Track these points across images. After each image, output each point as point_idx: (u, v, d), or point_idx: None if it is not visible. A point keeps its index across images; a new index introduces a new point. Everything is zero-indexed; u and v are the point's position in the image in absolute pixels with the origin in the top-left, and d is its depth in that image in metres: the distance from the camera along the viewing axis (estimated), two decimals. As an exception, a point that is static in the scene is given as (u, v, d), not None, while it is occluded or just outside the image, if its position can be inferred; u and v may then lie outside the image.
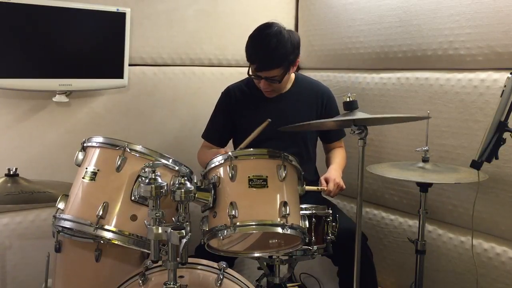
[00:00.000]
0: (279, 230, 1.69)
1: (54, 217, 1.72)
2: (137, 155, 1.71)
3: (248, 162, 1.78)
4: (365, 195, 2.20)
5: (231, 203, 1.69)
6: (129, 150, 1.70)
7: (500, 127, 1.79)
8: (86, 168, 1.73)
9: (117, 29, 2.42)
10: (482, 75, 2.21)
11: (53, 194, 1.90)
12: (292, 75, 2.44)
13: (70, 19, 2.31)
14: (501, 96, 1.78)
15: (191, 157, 2.38)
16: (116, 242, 1.66)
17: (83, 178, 1.72)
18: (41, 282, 1.93)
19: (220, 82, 2.71)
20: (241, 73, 2.34)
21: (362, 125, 1.78)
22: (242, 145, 2.12)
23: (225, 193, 1.73)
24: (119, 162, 1.68)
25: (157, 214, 1.50)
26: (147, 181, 1.51)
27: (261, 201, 1.73)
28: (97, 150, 1.75)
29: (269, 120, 2.13)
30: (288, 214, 1.70)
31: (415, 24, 2.44)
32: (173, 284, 1.53)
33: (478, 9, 2.18)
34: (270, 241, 1.97)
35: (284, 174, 1.75)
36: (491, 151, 1.80)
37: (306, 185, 1.88)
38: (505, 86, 1.77)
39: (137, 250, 1.72)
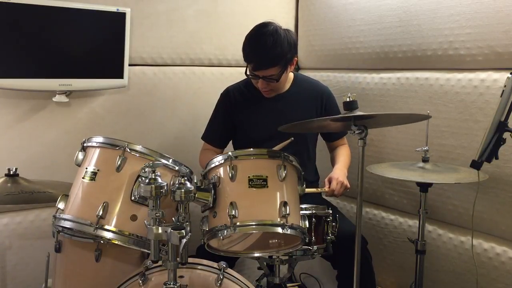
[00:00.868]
0: (279, 230, 1.69)
1: (54, 217, 1.72)
2: (137, 155, 1.71)
3: (248, 162, 1.78)
4: (365, 195, 2.19)
5: (231, 203, 1.69)
6: (129, 150, 1.70)
7: (500, 127, 1.79)
8: (86, 168, 1.73)
9: (117, 29, 2.42)
10: (482, 75, 2.21)
11: (53, 194, 1.90)
12: (291, 75, 2.44)
13: (70, 19, 2.30)
14: (501, 96, 1.77)
15: (191, 157, 2.38)
16: (116, 242, 1.66)
17: (83, 178, 1.72)
18: (41, 282, 1.93)
19: (220, 82, 2.71)
20: (241, 73, 2.34)
21: (362, 125, 1.78)
22: None
23: (225, 193, 1.73)
24: (119, 162, 1.68)
25: (157, 214, 1.50)
26: (147, 181, 1.51)
27: (261, 201, 1.73)
28: (97, 150, 1.75)
29: (292, 138, 2.11)
30: (288, 214, 1.70)
31: (415, 24, 2.43)
32: (173, 284, 1.53)
33: (478, 9, 2.18)
34: (270, 241, 1.97)
35: (284, 174, 1.75)
36: (491, 151, 1.79)
37: (306, 186, 1.88)
38: (505, 86, 1.77)
39: (137, 250, 1.72)
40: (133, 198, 1.68)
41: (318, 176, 2.55)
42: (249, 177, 1.73)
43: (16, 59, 2.24)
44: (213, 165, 1.80)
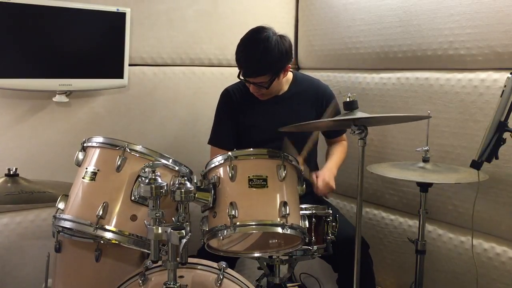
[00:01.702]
0: (279, 230, 1.70)
1: (54, 217, 1.72)
2: (137, 155, 1.71)
3: (248, 162, 1.78)
4: (365, 195, 2.19)
5: (231, 203, 1.69)
6: (129, 150, 1.70)
7: (500, 127, 1.79)
8: (86, 168, 1.73)
9: (117, 29, 2.42)
10: (482, 75, 2.21)
11: (53, 194, 1.89)
12: (290, 75, 2.42)
13: (70, 19, 2.30)
14: (501, 96, 1.78)
15: (191, 157, 2.38)
16: (116, 242, 1.66)
17: (83, 178, 1.72)
18: (41, 282, 1.93)
19: (220, 82, 2.71)
20: (241, 73, 2.34)
21: (362, 125, 1.78)
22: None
23: (225, 193, 1.73)
24: (119, 162, 1.68)
25: (157, 214, 1.50)
26: (147, 181, 1.51)
27: (261, 201, 1.73)
28: (97, 150, 1.76)
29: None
30: (288, 214, 1.70)
31: (415, 24, 2.43)
32: (173, 284, 1.53)
33: (478, 9, 2.18)
34: (270, 241, 1.97)
35: (284, 174, 1.75)
36: (491, 151, 1.80)
37: (305, 186, 1.88)
38: (505, 86, 1.77)
39: (137, 250, 1.72)
40: (133, 198, 1.68)
41: (319, 176, 2.55)
42: (249, 177, 1.73)
43: (16, 59, 2.24)
44: (213, 165, 1.80)
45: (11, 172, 2.00)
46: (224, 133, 2.42)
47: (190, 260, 1.65)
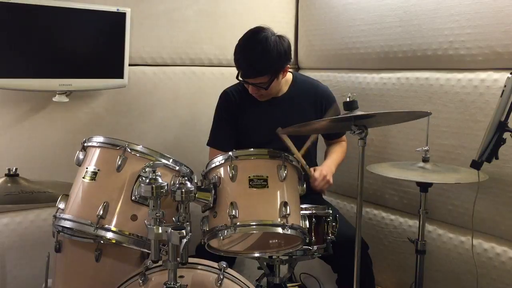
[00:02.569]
0: (280, 230, 1.70)
1: (55, 217, 1.72)
2: (138, 155, 1.71)
3: (248, 162, 1.78)
4: (365, 195, 2.19)
5: (231, 203, 1.69)
6: (129, 150, 1.70)
7: (500, 127, 1.79)
8: (87, 168, 1.73)
9: (117, 29, 2.42)
10: (482, 75, 2.21)
11: (53, 194, 1.89)
12: (290, 76, 2.42)
13: (70, 19, 2.30)
14: (501, 96, 1.78)
15: (191, 157, 2.38)
16: (117, 242, 1.66)
17: (83, 178, 1.72)
18: (41, 282, 1.93)
19: (220, 82, 2.71)
20: (241, 74, 2.33)
21: (362, 125, 1.78)
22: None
23: (226, 193, 1.73)
24: (119, 162, 1.68)
25: (157, 214, 1.50)
26: (147, 181, 1.51)
27: (262, 201, 1.73)
28: (98, 150, 1.75)
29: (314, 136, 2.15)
30: (289, 214, 1.70)
31: (415, 24, 2.44)
32: (173, 284, 1.53)
33: (478, 9, 2.19)
34: (270, 241, 1.97)
35: (284, 174, 1.75)
36: (491, 151, 1.80)
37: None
38: (505, 86, 1.77)
39: (137, 250, 1.73)
40: (133, 198, 1.68)
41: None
42: (249, 177, 1.73)
43: (16, 59, 2.24)
44: (213, 165, 1.80)
45: (11, 172, 1.99)
46: (223, 135, 2.41)
47: (190, 260, 1.65)
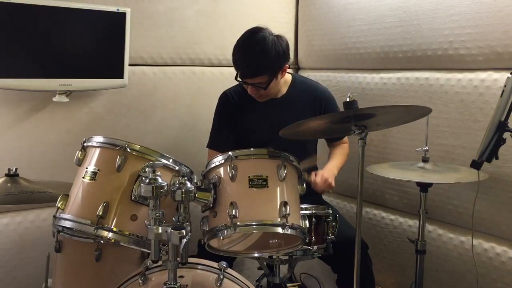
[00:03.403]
0: (279, 230, 1.69)
1: (54, 217, 1.72)
2: (138, 155, 1.71)
3: (248, 162, 1.78)
4: (365, 195, 2.19)
5: (231, 203, 1.69)
6: (129, 150, 1.70)
7: (500, 127, 1.79)
8: (86, 168, 1.72)
9: (117, 29, 2.42)
10: (482, 75, 2.21)
11: (53, 194, 1.89)
12: (289, 77, 2.42)
13: (70, 19, 2.30)
14: (501, 96, 1.78)
15: (191, 157, 2.38)
16: (116, 242, 1.66)
17: (83, 178, 1.72)
18: (41, 282, 1.93)
19: (220, 82, 2.71)
20: (241, 74, 2.33)
21: (362, 125, 1.78)
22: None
23: (226, 193, 1.73)
24: (119, 162, 1.68)
25: (157, 214, 1.50)
26: (147, 181, 1.51)
27: (261, 201, 1.73)
28: (97, 150, 1.75)
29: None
30: (288, 214, 1.70)
31: (415, 24, 2.44)
32: (173, 284, 1.53)
33: (478, 9, 2.19)
34: (270, 241, 1.97)
35: (284, 174, 1.75)
36: (491, 151, 1.80)
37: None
38: (505, 86, 1.77)
39: (137, 250, 1.73)
40: (133, 198, 1.67)
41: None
42: (249, 177, 1.73)
43: (16, 59, 2.24)
44: (213, 165, 1.80)
45: (11, 172, 1.99)
46: (223, 137, 2.41)
47: (190, 260, 1.65)
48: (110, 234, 1.64)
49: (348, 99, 1.86)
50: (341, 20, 2.83)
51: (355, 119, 1.79)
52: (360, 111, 1.79)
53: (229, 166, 1.74)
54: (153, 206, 1.51)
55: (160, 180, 1.52)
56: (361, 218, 1.81)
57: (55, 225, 1.72)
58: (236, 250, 1.94)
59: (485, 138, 1.80)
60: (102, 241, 1.73)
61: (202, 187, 1.76)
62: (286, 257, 2.00)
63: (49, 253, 1.88)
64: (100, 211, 1.63)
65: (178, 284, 1.53)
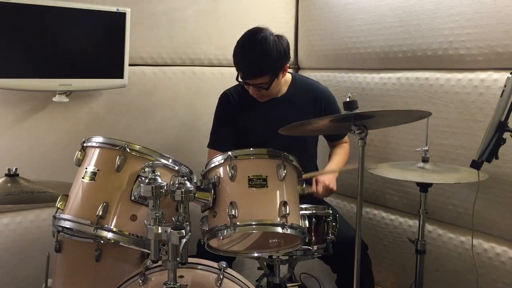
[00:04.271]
0: (279, 229, 1.69)
1: (54, 217, 1.72)
2: (137, 155, 1.71)
3: (248, 162, 1.78)
4: (365, 195, 2.19)
5: (231, 203, 1.69)
6: (129, 150, 1.70)
7: (500, 127, 1.79)
8: (86, 168, 1.72)
9: (117, 29, 2.42)
10: (482, 75, 2.21)
11: (53, 194, 1.89)
12: (289, 76, 2.41)
13: (70, 19, 2.30)
14: (501, 96, 1.77)
15: (191, 157, 2.38)
16: (116, 242, 1.66)
17: (83, 178, 1.72)
18: (41, 282, 1.93)
19: (220, 82, 2.71)
20: (241, 74, 2.33)
21: (362, 125, 1.78)
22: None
23: (225, 193, 1.73)
24: (118, 162, 1.68)
25: (157, 214, 1.50)
26: (147, 181, 1.51)
27: (261, 201, 1.73)
28: (97, 150, 1.75)
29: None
30: (288, 214, 1.70)
31: (415, 24, 2.44)
32: (173, 284, 1.53)
33: (478, 9, 2.19)
34: (270, 241, 1.97)
35: (284, 174, 1.75)
36: (491, 151, 1.80)
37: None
38: (505, 86, 1.77)
39: (137, 250, 1.72)
40: (133, 198, 1.68)
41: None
42: (249, 177, 1.73)
43: (16, 59, 2.24)
44: (212, 165, 1.80)
45: (11, 172, 2.00)
46: (223, 137, 2.40)
47: (190, 260, 1.65)
48: (109, 234, 1.64)
49: (348, 99, 1.86)
50: (341, 20, 2.83)
51: (355, 119, 1.79)
52: (360, 114, 1.79)
53: (229, 166, 1.74)
54: (153, 206, 1.51)
55: (159, 180, 1.52)
56: (361, 218, 1.81)
57: (55, 225, 1.72)
58: (235, 250, 1.94)
59: (485, 138, 1.80)
60: (102, 241, 1.73)
61: (202, 187, 1.76)
62: (286, 257, 2.00)
63: (49, 253, 1.87)
64: (99, 211, 1.63)
65: (178, 284, 1.53)
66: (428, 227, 2.43)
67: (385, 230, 2.67)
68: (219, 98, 2.46)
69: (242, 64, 2.21)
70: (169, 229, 1.47)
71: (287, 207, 1.70)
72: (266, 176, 1.73)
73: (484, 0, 2.16)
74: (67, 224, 1.67)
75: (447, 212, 2.38)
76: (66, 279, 1.87)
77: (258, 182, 1.72)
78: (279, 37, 2.22)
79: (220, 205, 1.73)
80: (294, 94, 2.41)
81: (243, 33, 2.26)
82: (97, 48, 2.42)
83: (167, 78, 2.76)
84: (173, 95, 2.78)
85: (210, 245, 1.80)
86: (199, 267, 1.72)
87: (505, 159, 2.06)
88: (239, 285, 1.72)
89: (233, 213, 1.67)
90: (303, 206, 1.92)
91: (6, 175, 2.00)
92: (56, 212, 1.73)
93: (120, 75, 2.46)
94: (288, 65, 2.28)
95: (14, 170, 2.00)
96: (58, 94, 2.38)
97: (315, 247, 1.96)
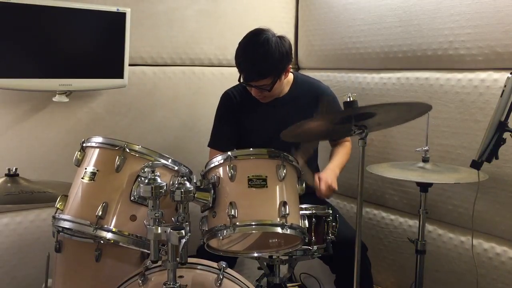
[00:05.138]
0: (279, 230, 1.69)
1: (54, 217, 1.72)
2: (137, 155, 1.71)
3: (247, 162, 1.78)
4: (365, 195, 2.19)
5: (230, 203, 1.69)
6: (128, 150, 1.70)
7: (500, 127, 1.79)
8: (86, 169, 1.72)
9: (117, 29, 2.42)
10: (482, 75, 2.21)
11: (53, 194, 1.89)
12: (291, 76, 2.41)
13: (70, 19, 2.30)
14: (501, 96, 1.77)
15: (191, 157, 2.38)
16: (116, 242, 1.66)
17: (82, 178, 1.72)
18: (41, 282, 1.93)
19: (220, 82, 2.71)
20: (241, 73, 2.33)
21: (362, 125, 1.78)
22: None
23: (225, 193, 1.73)
24: (118, 162, 1.68)
25: (156, 214, 1.50)
26: (146, 181, 1.51)
27: (261, 201, 1.73)
28: (96, 150, 1.75)
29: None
30: (288, 214, 1.70)
31: (415, 24, 2.43)
32: (172, 284, 1.53)
33: (478, 9, 2.18)
34: (270, 241, 1.97)
35: (283, 174, 1.75)
36: (491, 151, 1.80)
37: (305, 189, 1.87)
38: (505, 86, 1.77)
39: (137, 250, 1.73)
40: (132, 198, 1.68)
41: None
42: (248, 177, 1.73)
43: (16, 59, 2.24)
44: (212, 165, 1.80)
45: (11, 172, 2.00)
46: (224, 136, 2.40)
47: (190, 260, 1.65)
48: (109, 235, 1.65)
49: (348, 99, 1.86)
50: (341, 20, 2.82)
51: (355, 119, 1.79)
52: (360, 110, 1.79)
53: (229, 166, 1.74)
54: (152, 206, 1.51)
55: (159, 180, 1.52)
56: (361, 218, 1.81)
57: (54, 225, 1.72)
58: (235, 250, 1.94)
59: (485, 138, 1.80)
60: (101, 242, 1.73)
61: (202, 187, 1.76)
62: (286, 257, 2.00)
63: (49, 253, 1.88)
64: (99, 211, 1.63)
65: (177, 284, 1.54)
66: (428, 227, 2.42)
67: (385, 230, 2.67)
68: (221, 97, 2.46)
69: (245, 66, 2.20)
70: (168, 229, 1.47)
71: (287, 207, 1.70)
72: (266, 176, 1.73)
73: (484, 0, 2.16)
74: (66, 225, 1.67)
75: (447, 212, 2.38)
76: (66, 279, 1.87)
77: (258, 182, 1.72)
78: (281, 38, 2.21)
79: (220, 205, 1.73)
80: (296, 93, 2.41)
81: (243, 33, 2.26)
82: (97, 48, 2.42)
83: (167, 78, 2.76)
84: (173, 95, 2.78)
85: (209, 245, 1.80)
86: (199, 267, 1.72)
87: (505, 159, 2.06)
88: (239, 285, 1.72)
89: (232, 213, 1.67)
90: (303, 206, 1.92)
91: (6, 175, 2.00)
92: (55, 213, 1.73)
93: (120, 75, 2.46)
94: (290, 66, 2.28)
95: (14, 170, 2.00)
96: (58, 94, 2.38)
97: (315, 247, 1.96)
